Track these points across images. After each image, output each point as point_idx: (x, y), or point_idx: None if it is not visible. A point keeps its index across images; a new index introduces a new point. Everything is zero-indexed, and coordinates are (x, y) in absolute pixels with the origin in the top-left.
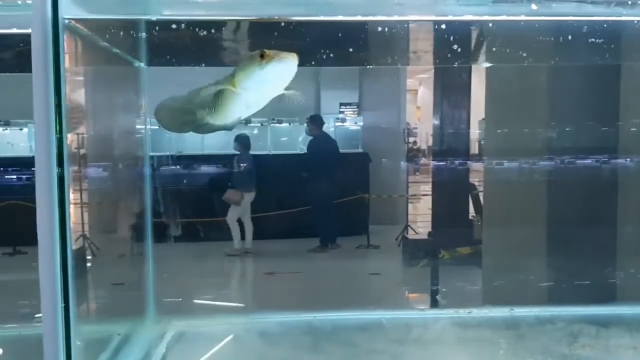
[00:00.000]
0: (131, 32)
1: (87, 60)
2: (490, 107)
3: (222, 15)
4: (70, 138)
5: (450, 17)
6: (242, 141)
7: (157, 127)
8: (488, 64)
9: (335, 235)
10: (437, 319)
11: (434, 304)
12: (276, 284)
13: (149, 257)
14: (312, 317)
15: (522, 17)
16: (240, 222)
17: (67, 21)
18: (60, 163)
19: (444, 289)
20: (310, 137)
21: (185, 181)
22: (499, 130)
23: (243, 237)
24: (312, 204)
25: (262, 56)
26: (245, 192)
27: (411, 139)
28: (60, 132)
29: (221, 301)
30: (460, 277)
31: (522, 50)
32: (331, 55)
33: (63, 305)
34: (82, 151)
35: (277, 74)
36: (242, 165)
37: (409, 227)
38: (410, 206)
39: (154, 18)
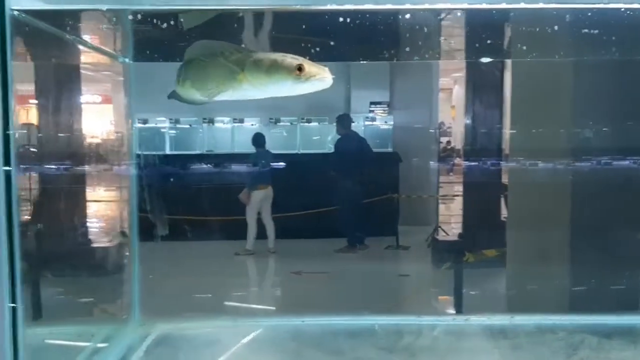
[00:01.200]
0: (111, 25)
1: (48, 55)
2: (515, 105)
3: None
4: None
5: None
6: (255, 140)
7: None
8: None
9: (363, 236)
10: (432, 327)
11: (457, 308)
12: (302, 284)
13: (134, 258)
14: (300, 322)
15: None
16: (260, 223)
17: (15, 12)
18: (7, 162)
19: (469, 293)
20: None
21: (214, 179)
22: (523, 130)
23: (261, 237)
24: (339, 204)
25: (299, 69)
26: (253, 190)
27: (445, 139)
28: (6, 129)
29: (248, 302)
30: (485, 280)
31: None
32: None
33: (11, 306)
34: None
35: (308, 90)
36: (255, 163)
37: (439, 228)
38: (443, 207)
39: (132, 8)
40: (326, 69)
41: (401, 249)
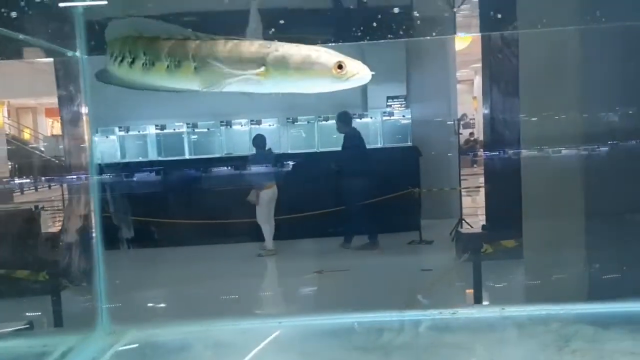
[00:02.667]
0: (57, 18)
1: None
2: (524, 90)
3: None
4: None
5: None
6: (255, 141)
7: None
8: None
9: (374, 233)
10: (416, 322)
11: (477, 300)
12: (324, 282)
13: (99, 264)
14: (277, 323)
15: None
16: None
17: None
18: None
19: (488, 284)
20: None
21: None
22: (533, 117)
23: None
24: (344, 203)
25: (339, 67)
26: (261, 190)
27: (468, 130)
28: None
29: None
30: (504, 271)
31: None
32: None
33: None
34: None
35: (343, 87)
36: (255, 164)
37: (463, 221)
38: (469, 199)
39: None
40: (366, 67)
41: (424, 244)
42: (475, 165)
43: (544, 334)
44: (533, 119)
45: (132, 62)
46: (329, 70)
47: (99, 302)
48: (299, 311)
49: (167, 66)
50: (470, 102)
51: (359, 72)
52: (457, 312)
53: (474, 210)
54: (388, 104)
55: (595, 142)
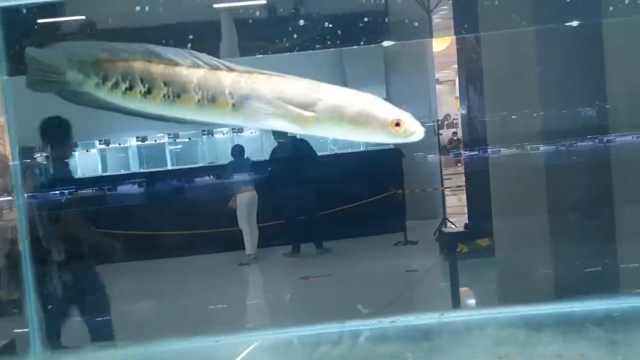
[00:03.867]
0: None
1: None
2: (488, 90)
3: None
4: None
5: None
6: (233, 150)
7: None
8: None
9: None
10: (355, 333)
11: (454, 302)
12: (309, 289)
13: (29, 286)
14: (214, 342)
15: None
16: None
17: None
18: None
19: (463, 285)
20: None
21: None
22: (498, 116)
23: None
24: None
25: (397, 124)
26: (237, 194)
27: (452, 130)
28: None
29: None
30: (477, 271)
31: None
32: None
33: None
34: None
35: (397, 141)
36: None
37: (446, 220)
38: (455, 198)
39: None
40: (419, 123)
41: (410, 244)
42: (459, 164)
43: (477, 340)
44: (498, 118)
45: (130, 89)
46: (386, 127)
47: (31, 326)
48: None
49: (198, 100)
50: (453, 102)
51: (415, 132)
52: (396, 321)
53: (461, 209)
54: None
55: (557, 139)
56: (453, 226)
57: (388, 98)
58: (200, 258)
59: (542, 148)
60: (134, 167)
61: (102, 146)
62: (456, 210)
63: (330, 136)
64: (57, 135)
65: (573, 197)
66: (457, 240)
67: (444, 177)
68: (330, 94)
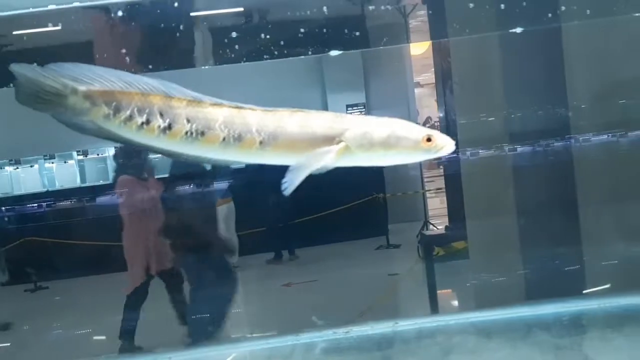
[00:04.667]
0: None
1: None
2: (457, 93)
3: None
4: None
5: None
6: None
7: None
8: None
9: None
10: (309, 345)
11: (432, 306)
12: (292, 295)
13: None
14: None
15: None
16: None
17: None
18: None
19: (440, 288)
20: None
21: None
22: (467, 118)
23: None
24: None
25: (429, 140)
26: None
27: None
28: None
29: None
30: (453, 274)
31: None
32: None
33: None
34: None
35: (428, 157)
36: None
37: (428, 223)
38: (437, 200)
39: None
40: (449, 138)
41: (392, 248)
42: (440, 167)
43: (427, 348)
44: (466, 121)
45: (147, 123)
46: (418, 144)
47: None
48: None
49: (223, 139)
50: (434, 105)
51: (446, 145)
52: (350, 331)
53: (443, 210)
54: (348, 112)
55: (523, 140)
56: (435, 228)
57: (367, 102)
58: None
59: (508, 149)
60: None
61: (80, 157)
62: (439, 212)
63: (363, 164)
64: None
65: (539, 197)
66: (437, 243)
67: (427, 179)
68: (356, 123)
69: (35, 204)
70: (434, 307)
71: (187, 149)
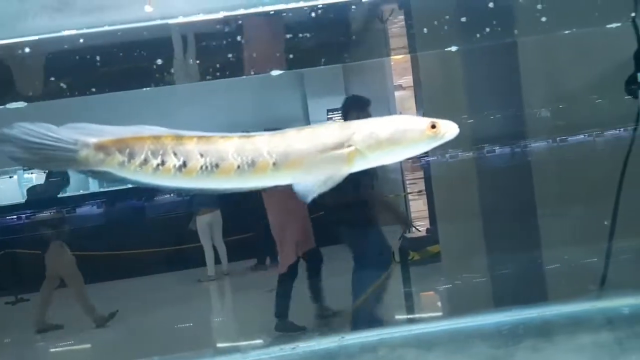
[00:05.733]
0: None
1: None
2: (426, 98)
3: None
4: None
5: None
6: None
7: None
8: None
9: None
10: None
11: (408, 311)
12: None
13: None
14: None
15: None
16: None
17: None
18: None
19: (415, 293)
20: None
21: None
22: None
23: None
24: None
25: (433, 127)
26: (196, 215)
27: None
28: None
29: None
30: (427, 279)
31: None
32: None
33: None
34: None
35: (436, 144)
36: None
37: (410, 226)
38: (420, 202)
39: None
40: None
41: None
42: (421, 169)
43: None
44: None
45: (162, 164)
46: (424, 133)
47: None
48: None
49: (238, 166)
50: (414, 108)
51: (450, 129)
52: (297, 347)
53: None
54: (328, 116)
55: (484, 144)
56: (417, 231)
57: None
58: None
59: (471, 153)
60: (94, 187)
61: None
62: (423, 214)
63: (375, 164)
64: None
65: (501, 201)
66: (417, 246)
67: (410, 182)
68: (361, 125)
69: (15, 216)
70: (410, 315)
71: (204, 183)
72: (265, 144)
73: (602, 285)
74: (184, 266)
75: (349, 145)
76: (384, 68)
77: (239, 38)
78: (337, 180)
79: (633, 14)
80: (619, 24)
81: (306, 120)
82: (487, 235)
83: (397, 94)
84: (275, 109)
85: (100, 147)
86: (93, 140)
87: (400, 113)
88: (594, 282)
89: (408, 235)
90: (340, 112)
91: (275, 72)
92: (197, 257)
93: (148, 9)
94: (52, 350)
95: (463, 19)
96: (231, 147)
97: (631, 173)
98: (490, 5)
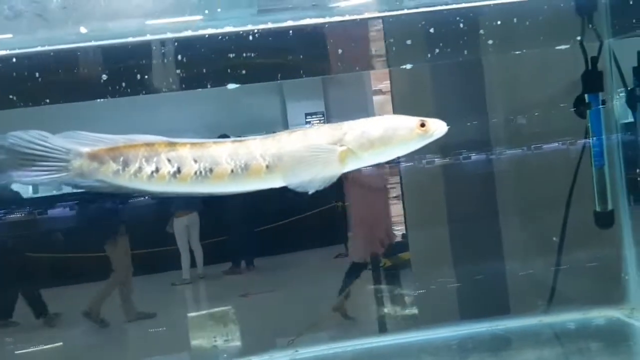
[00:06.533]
0: None
1: None
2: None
3: None
4: None
5: None
6: None
7: None
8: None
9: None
10: None
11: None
12: (244, 307)
13: None
14: None
15: None
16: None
17: None
18: None
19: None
20: None
21: None
22: None
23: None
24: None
25: (422, 125)
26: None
27: None
28: None
29: None
30: (397, 287)
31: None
32: None
33: None
34: None
35: (425, 142)
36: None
37: None
38: (399, 207)
39: None
40: (442, 121)
41: None
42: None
43: None
44: None
45: (156, 171)
46: (413, 131)
47: None
48: None
49: (232, 170)
50: (391, 112)
51: (438, 127)
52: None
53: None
54: (307, 120)
55: (452, 151)
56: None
57: (327, 111)
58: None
59: (439, 160)
60: (67, 188)
61: None
62: (401, 219)
63: (367, 163)
64: None
65: (467, 209)
66: (392, 251)
67: (390, 186)
68: (352, 126)
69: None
70: (382, 327)
71: (199, 188)
72: (258, 148)
73: (551, 301)
74: (158, 269)
75: (341, 146)
76: (362, 73)
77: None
78: (330, 180)
79: (579, 38)
80: (567, 46)
81: (285, 124)
82: (453, 245)
83: (375, 98)
84: (253, 113)
85: (94, 156)
86: (86, 149)
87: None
88: (544, 296)
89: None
90: (316, 116)
91: (231, 86)
92: (173, 260)
93: (82, 30)
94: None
95: (408, 42)
96: (224, 151)
97: (580, 186)
98: (431, 30)
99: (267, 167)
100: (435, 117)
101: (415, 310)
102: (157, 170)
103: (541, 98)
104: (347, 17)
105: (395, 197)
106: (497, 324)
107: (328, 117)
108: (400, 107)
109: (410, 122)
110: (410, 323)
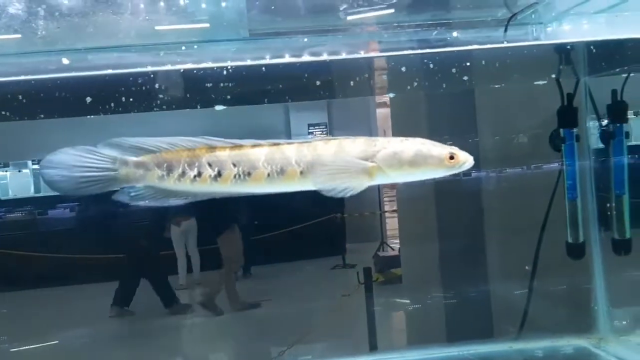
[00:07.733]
0: None
1: None
2: (394, 125)
3: None
4: None
5: None
6: None
7: None
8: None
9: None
10: None
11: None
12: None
13: None
14: None
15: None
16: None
17: None
18: None
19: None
20: None
21: None
22: None
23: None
24: None
25: (452, 157)
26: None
27: None
28: None
29: None
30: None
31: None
32: None
33: None
34: None
35: (451, 173)
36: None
37: (384, 244)
38: (396, 220)
39: None
40: (465, 152)
41: (348, 267)
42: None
43: None
44: None
45: (199, 175)
46: (442, 162)
47: None
48: None
49: (268, 174)
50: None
51: (467, 160)
52: None
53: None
54: (309, 131)
55: None
56: (390, 249)
57: (330, 122)
58: None
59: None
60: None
61: (36, 166)
62: (396, 233)
63: (394, 181)
64: None
65: (455, 228)
66: (389, 264)
67: (388, 199)
68: (386, 145)
69: None
70: (373, 344)
71: (237, 190)
72: (294, 154)
73: (522, 327)
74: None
75: (372, 162)
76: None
77: None
78: (357, 191)
79: (553, 75)
80: (545, 82)
81: (288, 134)
82: (442, 264)
83: (379, 110)
84: (257, 123)
85: (139, 164)
86: (132, 157)
87: (384, 130)
88: (516, 322)
89: (380, 254)
90: (319, 127)
91: (218, 107)
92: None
93: (65, 61)
94: None
95: (384, 77)
96: (262, 155)
97: (555, 215)
98: (403, 69)
99: (301, 172)
100: (427, 136)
101: (412, 327)
102: (199, 174)
103: (530, 123)
104: (335, 57)
105: (394, 211)
106: (467, 349)
107: (331, 128)
108: (397, 123)
109: (441, 152)
110: (400, 341)
